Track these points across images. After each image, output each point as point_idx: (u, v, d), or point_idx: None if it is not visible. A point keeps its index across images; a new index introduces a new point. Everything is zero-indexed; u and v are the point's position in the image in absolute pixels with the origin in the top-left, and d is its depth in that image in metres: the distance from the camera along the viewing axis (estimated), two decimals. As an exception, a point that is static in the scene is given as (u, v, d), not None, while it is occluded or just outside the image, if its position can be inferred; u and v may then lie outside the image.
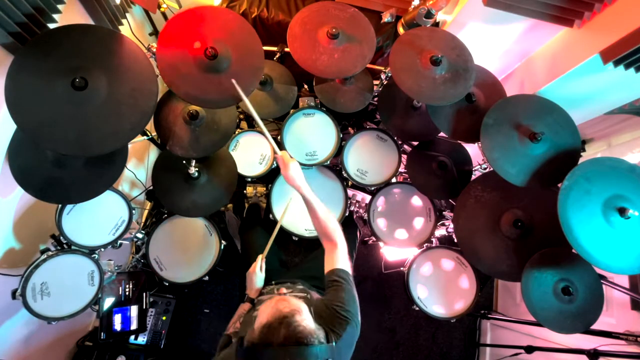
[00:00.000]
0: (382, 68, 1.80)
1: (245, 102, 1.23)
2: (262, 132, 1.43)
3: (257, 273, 1.41)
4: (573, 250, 1.23)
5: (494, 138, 1.40)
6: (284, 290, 1.17)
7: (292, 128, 1.75)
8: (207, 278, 1.63)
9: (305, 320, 0.85)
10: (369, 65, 1.60)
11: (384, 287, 2.65)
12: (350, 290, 1.08)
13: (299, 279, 1.43)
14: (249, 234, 1.73)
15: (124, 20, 1.67)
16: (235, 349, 0.91)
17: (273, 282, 1.42)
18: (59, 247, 1.42)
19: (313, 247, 1.72)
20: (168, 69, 1.18)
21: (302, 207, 1.73)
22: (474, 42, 1.49)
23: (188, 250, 1.66)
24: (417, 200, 1.84)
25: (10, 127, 1.15)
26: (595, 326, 1.34)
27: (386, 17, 1.60)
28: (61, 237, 1.39)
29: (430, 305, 1.70)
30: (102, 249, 1.46)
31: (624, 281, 1.77)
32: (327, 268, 1.15)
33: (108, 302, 1.62)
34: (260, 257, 1.43)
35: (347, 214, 1.76)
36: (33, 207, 1.42)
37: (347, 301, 1.03)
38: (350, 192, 1.94)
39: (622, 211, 1.19)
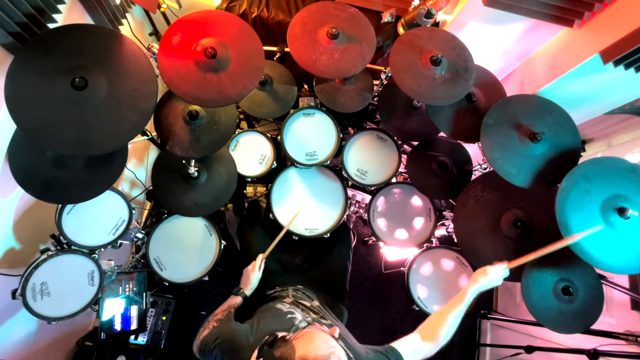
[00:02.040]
0: (382, 68, 1.80)
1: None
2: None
3: (256, 272, 1.41)
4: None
5: (494, 138, 1.40)
6: (336, 333, 1.08)
7: (292, 128, 1.75)
8: (207, 278, 1.63)
9: None
10: (369, 65, 1.59)
11: (384, 287, 2.65)
12: None
13: (302, 284, 1.43)
14: (248, 232, 1.73)
15: (124, 20, 1.67)
16: (258, 349, 0.97)
17: (277, 287, 1.42)
18: (59, 247, 1.42)
19: (313, 248, 1.72)
20: (168, 68, 1.18)
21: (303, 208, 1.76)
22: (474, 42, 1.49)
23: (188, 250, 1.65)
24: (417, 200, 1.84)
25: (10, 127, 1.15)
26: (595, 326, 1.34)
27: (386, 17, 1.60)
28: (61, 237, 1.39)
29: (430, 305, 1.70)
30: (102, 249, 1.46)
31: (624, 281, 1.77)
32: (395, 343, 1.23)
33: (108, 304, 1.62)
34: (260, 256, 1.44)
35: (347, 215, 1.76)
36: (33, 207, 1.42)
37: None
38: (350, 192, 1.94)
39: (621, 211, 1.19)
